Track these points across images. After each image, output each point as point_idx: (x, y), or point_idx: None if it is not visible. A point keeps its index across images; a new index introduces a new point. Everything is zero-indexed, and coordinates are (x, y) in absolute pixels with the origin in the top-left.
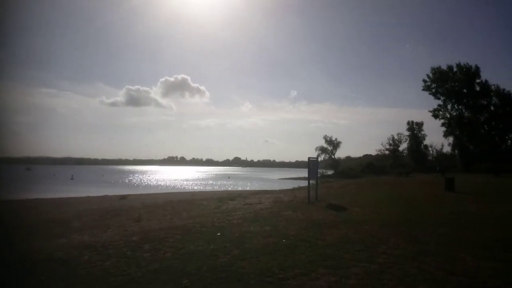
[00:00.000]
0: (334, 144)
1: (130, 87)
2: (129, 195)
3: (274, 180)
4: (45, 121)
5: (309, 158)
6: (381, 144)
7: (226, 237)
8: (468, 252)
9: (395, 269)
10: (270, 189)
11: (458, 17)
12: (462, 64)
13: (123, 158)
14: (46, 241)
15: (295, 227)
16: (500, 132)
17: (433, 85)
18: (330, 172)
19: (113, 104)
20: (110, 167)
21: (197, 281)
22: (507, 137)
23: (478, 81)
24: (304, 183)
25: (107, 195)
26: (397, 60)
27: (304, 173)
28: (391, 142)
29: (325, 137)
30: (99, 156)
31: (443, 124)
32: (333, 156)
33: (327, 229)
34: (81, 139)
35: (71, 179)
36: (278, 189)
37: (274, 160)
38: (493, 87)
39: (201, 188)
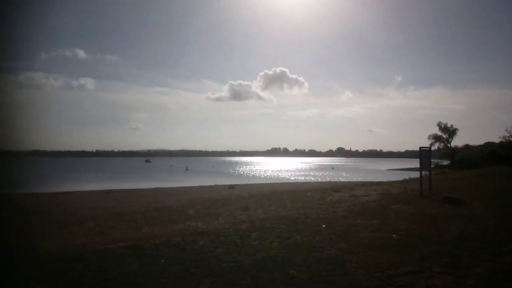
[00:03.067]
0: (449, 131)
1: (232, 82)
2: (237, 184)
3: (381, 171)
4: (160, 117)
5: (420, 147)
6: (506, 130)
7: (332, 229)
8: None
9: None
10: (377, 180)
11: None
12: None
13: (230, 150)
14: (164, 227)
15: (406, 222)
16: None
17: None
18: (445, 162)
19: (218, 99)
20: (219, 158)
21: (304, 272)
22: None
23: None
24: (415, 174)
25: (217, 185)
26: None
27: (415, 163)
28: None
29: (439, 124)
30: (209, 148)
31: None
32: (448, 145)
33: (442, 225)
34: (191, 133)
35: (186, 170)
36: (386, 180)
37: (380, 150)
38: None
39: (304, 179)
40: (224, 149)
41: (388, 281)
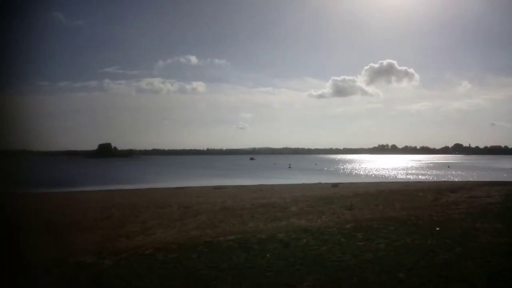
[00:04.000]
0: None
1: (335, 78)
2: (340, 183)
3: (506, 170)
4: (264, 116)
5: None
6: None
7: (446, 232)
8: None
9: None
10: (500, 180)
11: None
12: None
13: (333, 147)
14: (269, 222)
15: None
16: None
17: None
18: None
19: (321, 96)
20: (322, 156)
21: (414, 276)
22: None
23: None
24: None
25: (320, 182)
26: None
27: None
28: None
29: None
30: (311, 146)
31: None
32: None
33: None
34: (294, 130)
35: (289, 167)
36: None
37: (505, 146)
38: None
39: (416, 178)
40: (327, 146)
41: None
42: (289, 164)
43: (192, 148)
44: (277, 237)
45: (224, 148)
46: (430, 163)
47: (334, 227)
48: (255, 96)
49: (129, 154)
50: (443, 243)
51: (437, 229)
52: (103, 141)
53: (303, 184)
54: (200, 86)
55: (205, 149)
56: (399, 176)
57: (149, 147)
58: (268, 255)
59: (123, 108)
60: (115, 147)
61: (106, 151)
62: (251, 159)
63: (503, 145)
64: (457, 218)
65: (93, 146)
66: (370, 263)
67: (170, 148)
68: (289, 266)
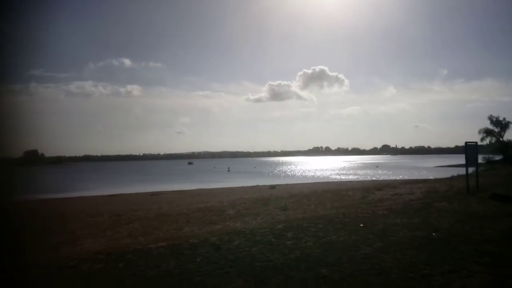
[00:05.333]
0: (502, 124)
1: (272, 82)
2: (278, 185)
3: (429, 169)
4: (203, 120)
5: (466, 142)
6: None
7: (369, 228)
8: None
9: None
10: (423, 178)
11: None
12: None
13: (271, 150)
14: (204, 227)
15: (449, 220)
16: None
17: None
18: (497, 158)
19: (258, 100)
20: (261, 159)
21: (336, 272)
22: None
23: None
24: (465, 171)
25: (258, 185)
26: None
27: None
28: None
29: (490, 117)
30: (250, 149)
31: None
32: (501, 139)
33: (487, 223)
34: (233, 134)
35: (228, 171)
36: (432, 178)
37: (428, 147)
38: None
39: (347, 178)
40: (265, 149)
41: (423, 281)
42: (228, 168)
43: (127, 153)
44: (210, 240)
45: (162, 153)
46: (361, 163)
47: (267, 228)
48: (193, 100)
49: (58, 161)
50: (365, 238)
51: (361, 225)
52: (30, 148)
53: (242, 187)
54: (135, 89)
55: (141, 155)
56: (332, 177)
57: (80, 153)
58: (198, 260)
59: (51, 112)
60: (42, 154)
61: (32, 158)
62: (190, 163)
63: (426, 146)
64: (381, 214)
65: (18, 153)
66: (297, 261)
67: (104, 154)
68: (219, 269)
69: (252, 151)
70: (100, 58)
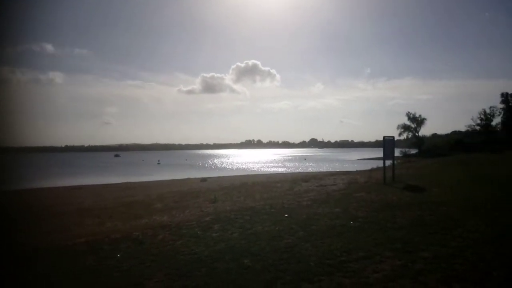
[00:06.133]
0: (418, 121)
1: (205, 75)
2: (209, 177)
3: (352, 161)
4: (132, 111)
5: (384, 137)
6: (471, 119)
7: (294, 218)
8: None
9: (469, 253)
10: (347, 170)
11: None
12: None
13: (204, 142)
14: (128, 221)
15: (366, 209)
16: None
17: None
18: (414, 151)
19: (190, 92)
20: (193, 151)
21: (259, 261)
22: None
23: None
24: (387, 163)
25: (189, 178)
26: (479, 29)
27: None
28: (482, 116)
29: (407, 114)
30: (182, 141)
31: None
32: (417, 134)
33: (400, 211)
34: (164, 126)
35: (158, 163)
36: (355, 170)
37: (352, 141)
38: None
39: (277, 170)
40: (198, 142)
41: (339, 267)
42: (158, 160)
43: (48, 145)
44: (133, 235)
45: (86, 144)
46: (290, 156)
47: (194, 220)
48: (122, 90)
49: None
50: (289, 228)
51: (286, 215)
52: None
53: (172, 180)
54: (57, 76)
55: (63, 146)
56: (263, 169)
57: None
58: (118, 255)
59: None
60: None
61: None
62: (116, 156)
63: (350, 140)
64: (305, 205)
65: None
66: (222, 252)
67: (22, 146)
68: (140, 264)
69: (184, 144)
70: (18, 42)
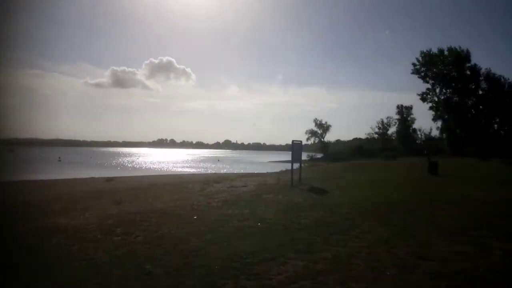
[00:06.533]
0: (324, 127)
1: (115, 68)
2: (116, 177)
3: (263, 163)
4: (31, 103)
5: (293, 141)
6: (371, 127)
7: (202, 220)
8: (442, 236)
9: (364, 254)
10: (258, 172)
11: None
12: (452, 47)
13: (112, 140)
14: (17, 224)
15: (273, 210)
16: (487, 116)
17: (422, 69)
18: (319, 155)
19: (99, 85)
20: (100, 149)
21: (162, 266)
22: (493, 121)
23: (468, 65)
24: (295, 166)
25: (93, 177)
26: (379, 46)
27: None
28: (380, 125)
29: (315, 121)
30: (88, 137)
31: (431, 108)
32: (322, 139)
33: (304, 212)
34: (69, 120)
35: (59, 160)
36: (266, 172)
37: (264, 143)
38: (484, 70)
39: (190, 170)
40: (105, 139)
41: (244, 269)
42: (59, 157)
43: None
44: (24, 240)
45: None
46: (204, 157)
47: (94, 223)
48: (20, 79)
49: None
50: (197, 230)
51: (195, 217)
52: None
53: (74, 179)
54: None
55: None
56: (175, 169)
57: None
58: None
59: None
60: None
61: None
62: (10, 150)
63: (262, 142)
64: (215, 206)
65: None
66: (122, 258)
67: None
68: (31, 271)
69: (89, 140)
70: None
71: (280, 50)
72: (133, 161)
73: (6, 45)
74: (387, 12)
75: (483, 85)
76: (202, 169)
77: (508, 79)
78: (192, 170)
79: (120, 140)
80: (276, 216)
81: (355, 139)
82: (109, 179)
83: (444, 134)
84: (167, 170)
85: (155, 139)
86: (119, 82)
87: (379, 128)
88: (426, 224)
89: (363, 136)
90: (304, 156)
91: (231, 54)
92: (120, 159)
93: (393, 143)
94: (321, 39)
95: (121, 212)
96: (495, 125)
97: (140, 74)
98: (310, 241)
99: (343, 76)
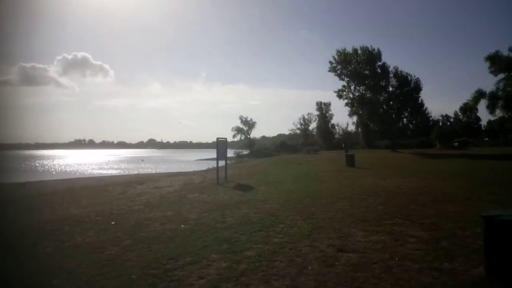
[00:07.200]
0: (249, 124)
1: (24, 64)
2: (28, 182)
3: (190, 162)
4: None
5: (217, 138)
6: (293, 123)
7: (121, 225)
8: (360, 227)
9: (288, 249)
10: (184, 171)
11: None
12: (365, 46)
13: (23, 142)
14: None
15: (198, 210)
16: (397, 111)
17: (338, 67)
18: (246, 152)
19: (5, 83)
20: (8, 152)
21: (72, 280)
22: (402, 116)
23: (379, 63)
24: (221, 163)
25: (3, 183)
26: (297, 45)
27: None
28: (302, 121)
29: (240, 118)
30: None
31: (346, 104)
32: (248, 136)
33: (229, 211)
34: None
35: None
36: (192, 170)
37: (190, 141)
38: (392, 68)
39: (111, 172)
40: (15, 141)
41: (163, 277)
42: None
43: None
44: None
45: None
46: (127, 157)
47: None
48: None
49: None
50: (115, 237)
51: (113, 223)
52: None
53: None
54: None
55: None
56: (94, 171)
57: None
58: None
59: None
60: None
61: None
62: None
63: (188, 141)
64: (136, 210)
65: None
66: (27, 274)
67: None
68: None
69: None
70: None
71: (202, 47)
72: (47, 164)
73: None
74: (304, 12)
75: (393, 82)
76: (125, 170)
77: (415, 76)
78: (113, 172)
79: (31, 141)
80: (200, 216)
81: (279, 135)
82: (20, 185)
83: (359, 129)
84: (86, 172)
85: (72, 139)
86: (29, 79)
87: (301, 124)
88: (344, 215)
89: (286, 132)
90: (231, 153)
91: (152, 51)
92: (32, 163)
93: (314, 138)
94: (243, 38)
95: (31, 221)
96: (404, 119)
97: (53, 70)
98: (235, 240)
99: (265, 74)
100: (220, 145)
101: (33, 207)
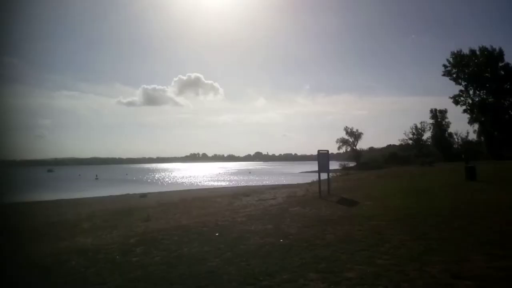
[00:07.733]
0: (355, 135)
1: (146, 86)
2: (150, 193)
3: (295, 174)
4: (68, 123)
5: (318, 150)
6: (404, 133)
7: (224, 237)
8: (480, 250)
9: (393, 272)
10: (289, 183)
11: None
12: (484, 47)
13: (146, 156)
14: (43, 245)
15: (298, 225)
16: None
17: (454, 70)
18: (352, 164)
19: (131, 104)
20: (135, 165)
21: None
22: None
23: (501, 64)
24: (324, 176)
25: (128, 194)
26: (406, 50)
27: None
28: (414, 131)
29: (345, 129)
30: (123, 155)
31: (465, 111)
32: (354, 148)
33: (330, 226)
34: (104, 139)
35: (96, 178)
36: (296, 183)
37: (295, 154)
38: None
39: (221, 184)
40: (140, 156)
41: None
42: (96, 175)
43: None
44: (43, 262)
45: (18, 159)
46: (235, 169)
47: (117, 243)
48: (58, 101)
49: None
50: (217, 249)
51: (217, 234)
52: None
53: (110, 197)
54: None
55: None
56: (206, 183)
57: None
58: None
59: None
60: None
61: None
62: (49, 171)
63: (293, 153)
64: (239, 222)
65: None
66: (135, 281)
67: None
68: None
69: (125, 158)
70: None
71: (304, 59)
72: (166, 177)
73: (40, 68)
74: (412, 16)
75: None
76: (234, 182)
77: None
78: (223, 184)
79: (154, 156)
80: (300, 231)
81: (388, 146)
82: (143, 195)
83: (481, 137)
84: (199, 184)
85: (188, 153)
86: (150, 100)
87: (413, 134)
88: (462, 235)
89: (396, 142)
90: (336, 165)
91: (256, 67)
92: (154, 175)
93: (429, 149)
94: (347, 47)
95: (147, 230)
96: None
97: (170, 91)
98: (334, 259)
99: (372, 82)
100: (322, 158)
101: (150, 216)
